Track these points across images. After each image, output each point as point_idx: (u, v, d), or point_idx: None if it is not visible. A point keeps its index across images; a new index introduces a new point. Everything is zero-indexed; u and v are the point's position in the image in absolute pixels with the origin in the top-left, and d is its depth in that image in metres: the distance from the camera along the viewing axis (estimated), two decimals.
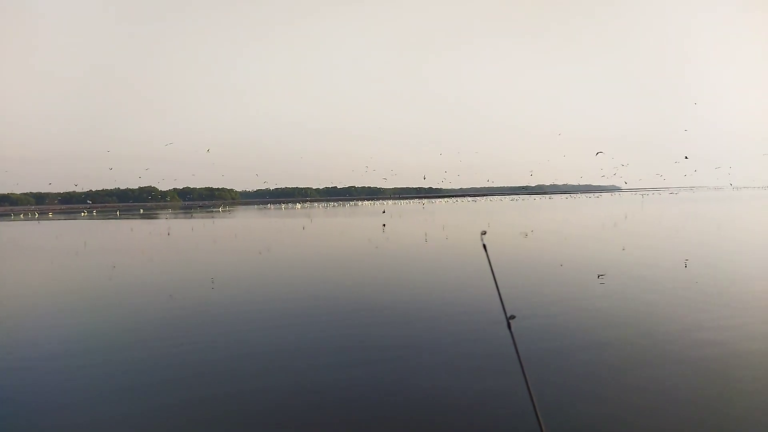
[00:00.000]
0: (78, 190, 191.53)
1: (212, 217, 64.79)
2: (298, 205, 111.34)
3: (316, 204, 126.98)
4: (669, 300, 10.20)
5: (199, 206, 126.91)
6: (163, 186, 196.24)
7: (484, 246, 3.10)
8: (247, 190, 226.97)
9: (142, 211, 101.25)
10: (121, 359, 7.60)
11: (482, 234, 3.11)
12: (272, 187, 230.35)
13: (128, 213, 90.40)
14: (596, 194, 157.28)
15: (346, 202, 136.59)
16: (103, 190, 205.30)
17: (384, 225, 35.89)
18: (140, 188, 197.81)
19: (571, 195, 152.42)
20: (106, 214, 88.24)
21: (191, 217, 67.28)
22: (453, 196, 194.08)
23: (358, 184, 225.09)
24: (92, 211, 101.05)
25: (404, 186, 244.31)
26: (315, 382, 6.40)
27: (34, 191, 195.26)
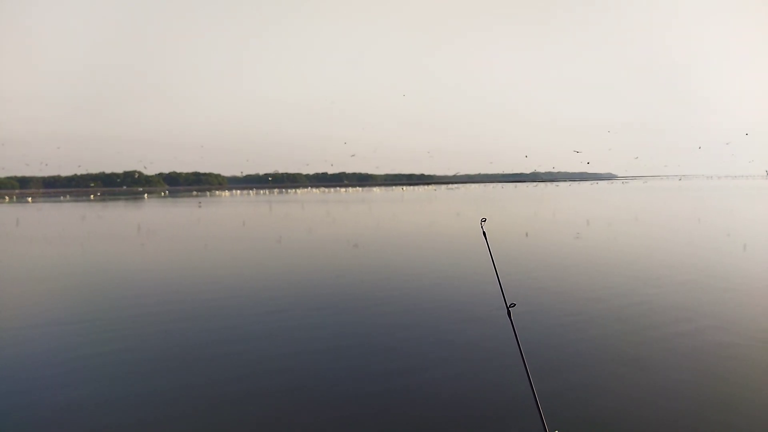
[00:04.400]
0: (62, 174, 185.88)
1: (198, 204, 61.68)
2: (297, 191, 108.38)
3: (301, 190, 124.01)
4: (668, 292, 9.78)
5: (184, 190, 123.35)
6: (149, 170, 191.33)
7: (484, 233, 3.09)
8: (236, 175, 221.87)
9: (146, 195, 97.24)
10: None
11: (482, 221, 3.10)
12: (261, 173, 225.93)
13: (96, 198, 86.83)
14: (567, 182, 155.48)
15: (336, 189, 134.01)
16: (87, 174, 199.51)
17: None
18: (125, 173, 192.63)
19: (559, 183, 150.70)
20: (79, 198, 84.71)
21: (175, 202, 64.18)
22: (444, 183, 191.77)
23: (349, 170, 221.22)
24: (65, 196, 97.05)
25: (396, 173, 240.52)
26: (310, 371, 6.15)
27: (19, 175, 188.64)
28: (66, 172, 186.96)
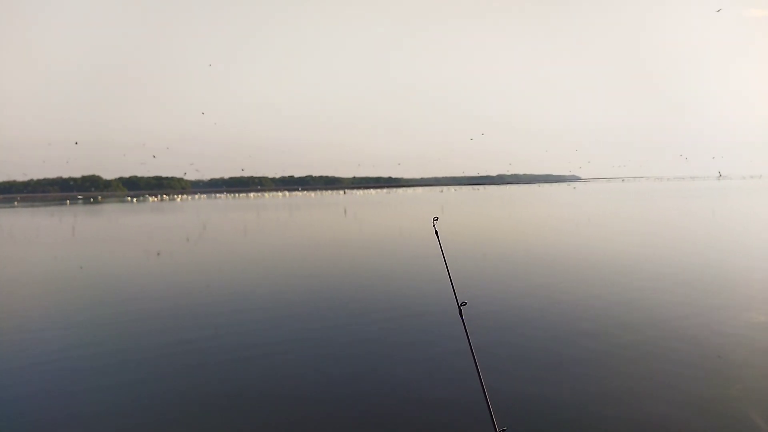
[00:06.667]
0: (20, 179, 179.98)
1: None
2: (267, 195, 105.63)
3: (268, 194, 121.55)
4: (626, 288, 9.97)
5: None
6: (109, 174, 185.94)
7: (436, 232, 3.11)
8: (200, 179, 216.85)
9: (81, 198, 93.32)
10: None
11: (434, 220, 3.12)
12: (227, 176, 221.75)
13: (34, 203, 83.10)
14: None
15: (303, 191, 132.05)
16: (44, 179, 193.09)
17: None
18: (83, 177, 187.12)
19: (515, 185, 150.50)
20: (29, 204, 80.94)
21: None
22: (411, 186, 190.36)
23: (315, 173, 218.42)
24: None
25: (363, 176, 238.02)
26: (266, 376, 6.05)
27: None
28: (22, 177, 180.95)
